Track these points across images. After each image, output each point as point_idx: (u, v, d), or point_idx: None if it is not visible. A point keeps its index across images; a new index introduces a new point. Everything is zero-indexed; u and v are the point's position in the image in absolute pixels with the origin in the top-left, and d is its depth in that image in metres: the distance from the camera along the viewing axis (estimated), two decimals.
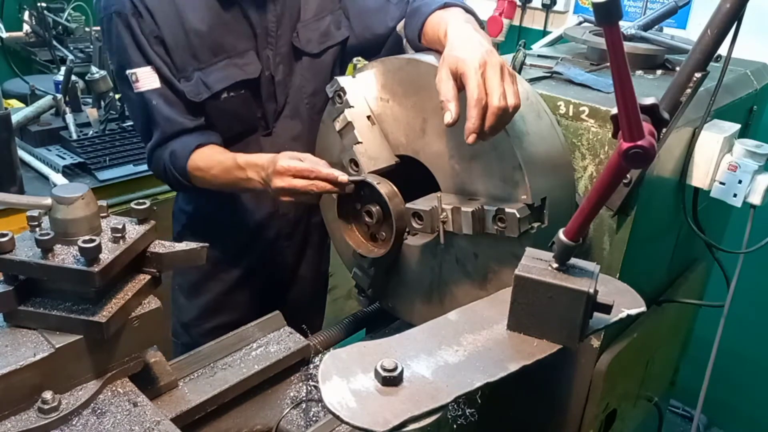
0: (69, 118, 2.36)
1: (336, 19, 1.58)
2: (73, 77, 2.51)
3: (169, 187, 1.55)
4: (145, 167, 2.30)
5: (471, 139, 1.05)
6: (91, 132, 2.41)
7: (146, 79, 1.41)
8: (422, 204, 1.22)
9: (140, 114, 1.48)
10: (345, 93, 1.33)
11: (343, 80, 1.33)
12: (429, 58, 1.26)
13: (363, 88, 1.35)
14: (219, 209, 1.65)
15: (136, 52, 1.40)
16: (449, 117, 1.07)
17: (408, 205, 1.24)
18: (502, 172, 1.18)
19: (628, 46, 1.54)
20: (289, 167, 1.26)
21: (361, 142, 1.31)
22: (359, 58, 1.72)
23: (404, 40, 1.49)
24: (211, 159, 1.43)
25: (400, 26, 1.50)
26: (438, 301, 1.38)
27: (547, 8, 3.06)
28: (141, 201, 1.05)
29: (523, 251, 1.02)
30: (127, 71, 1.41)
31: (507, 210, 1.13)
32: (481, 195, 1.22)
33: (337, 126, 1.34)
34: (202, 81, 1.44)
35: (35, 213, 0.99)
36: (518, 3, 3.13)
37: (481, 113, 1.05)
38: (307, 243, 1.79)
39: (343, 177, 1.25)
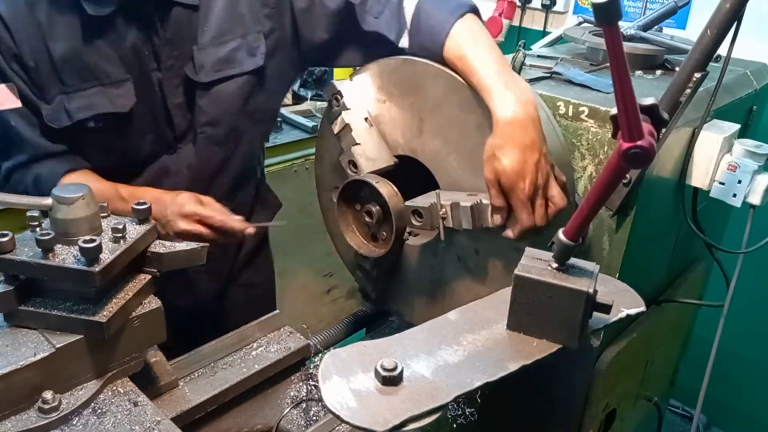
0: None
1: (249, 45, 1.39)
2: None
3: None
4: None
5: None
6: None
7: (4, 97, 1.28)
8: (421, 201, 1.23)
9: None
10: (342, 96, 1.33)
11: (339, 83, 1.34)
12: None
13: (360, 91, 1.35)
14: None
15: None
16: (499, 221, 1.14)
17: (407, 203, 1.24)
18: None
19: (627, 46, 1.54)
20: (197, 212, 1.27)
21: (359, 144, 1.32)
22: None
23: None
24: (88, 183, 1.33)
25: (405, 43, 1.32)
26: (441, 301, 1.38)
27: (547, 8, 3.06)
28: (141, 201, 1.05)
29: (524, 244, 1.03)
30: None
31: None
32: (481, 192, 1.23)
33: (335, 129, 1.34)
34: (64, 107, 1.30)
35: (35, 213, 0.99)
36: (518, 3, 3.13)
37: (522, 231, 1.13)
38: (236, 260, 1.71)
39: (250, 230, 1.31)
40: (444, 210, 1.19)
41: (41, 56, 1.27)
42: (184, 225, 1.27)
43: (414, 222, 1.23)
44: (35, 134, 1.32)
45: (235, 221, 1.31)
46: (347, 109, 1.33)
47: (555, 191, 1.13)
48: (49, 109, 1.30)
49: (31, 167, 1.34)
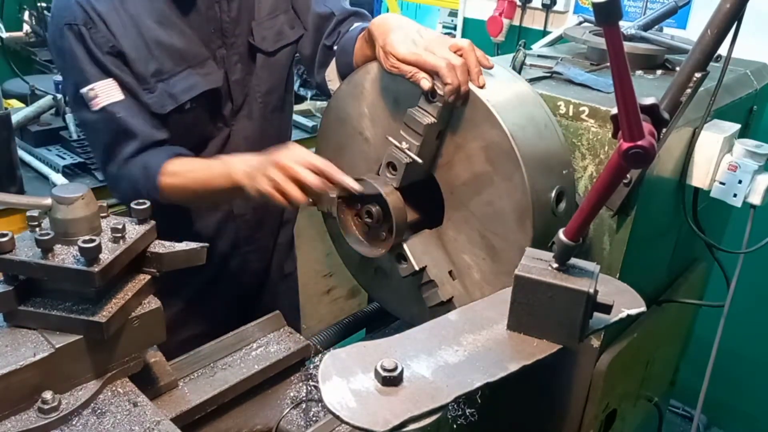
0: (69, 117, 2.35)
1: (289, 19, 1.57)
2: None
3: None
4: None
5: (464, 87, 1.16)
6: None
7: (106, 92, 1.32)
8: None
9: (102, 133, 1.37)
10: None
11: None
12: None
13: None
14: (168, 218, 1.40)
15: (91, 65, 1.31)
16: (427, 84, 1.16)
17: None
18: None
19: (628, 46, 1.54)
20: (315, 163, 1.21)
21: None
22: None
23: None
24: (189, 163, 1.37)
25: (330, 73, 1.50)
26: (492, 251, 1.28)
27: (547, 8, 3.06)
28: (141, 201, 1.05)
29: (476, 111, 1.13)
30: (83, 89, 1.32)
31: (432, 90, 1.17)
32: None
33: None
34: (167, 92, 1.37)
35: (35, 213, 0.99)
36: (518, 3, 3.13)
37: (457, 75, 1.15)
38: (274, 247, 1.75)
39: (356, 186, 1.24)
40: (408, 145, 1.21)
41: (139, 46, 1.34)
42: (300, 170, 1.20)
43: (389, 175, 1.25)
44: (143, 123, 1.36)
45: (343, 176, 1.24)
46: None
47: (456, 40, 1.18)
48: (153, 97, 1.37)
49: (137, 157, 1.37)
